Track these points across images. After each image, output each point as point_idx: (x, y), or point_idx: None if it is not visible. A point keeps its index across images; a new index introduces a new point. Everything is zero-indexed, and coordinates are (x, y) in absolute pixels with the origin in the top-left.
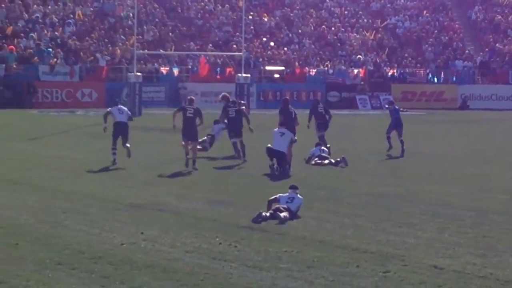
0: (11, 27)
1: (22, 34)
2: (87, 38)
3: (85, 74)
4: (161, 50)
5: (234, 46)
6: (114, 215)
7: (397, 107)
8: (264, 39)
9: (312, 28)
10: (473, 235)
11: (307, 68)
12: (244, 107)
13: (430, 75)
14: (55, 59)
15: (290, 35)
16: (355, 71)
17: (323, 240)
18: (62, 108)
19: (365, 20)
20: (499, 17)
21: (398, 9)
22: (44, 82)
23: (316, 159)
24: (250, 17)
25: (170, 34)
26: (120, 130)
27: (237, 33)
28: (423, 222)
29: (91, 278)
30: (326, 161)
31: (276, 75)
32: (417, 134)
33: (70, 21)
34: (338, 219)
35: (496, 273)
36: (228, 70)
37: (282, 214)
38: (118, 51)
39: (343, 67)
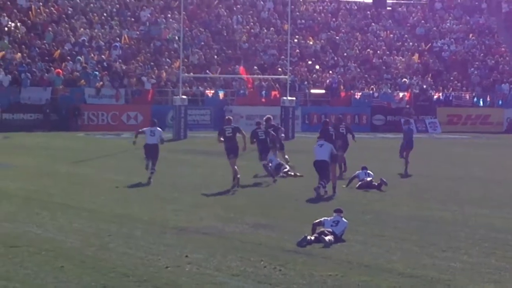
0: (58, 50)
1: (68, 57)
2: (133, 61)
3: (131, 97)
4: (207, 73)
5: (280, 69)
6: (159, 238)
7: (411, 127)
8: (310, 62)
9: (357, 51)
10: None
11: (352, 91)
12: (279, 131)
13: (476, 99)
14: (101, 82)
15: (336, 58)
16: (401, 94)
17: (369, 264)
18: (107, 130)
19: (411, 43)
20: None
21: (443, 32)
22: (90, 105)
23: (360, 183)
24: (296, 40)
25: (216, 57)
26: (150, 152)
27: (282, 56)
28: (469, 246)
29: None
30: (373, 190)
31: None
32: (463, 157)
33: (116, 44)
34: (383, 242)
35: None
36: (273, 93)
37: (327, 238)
38: (164, 74)
39: (388, 90)
